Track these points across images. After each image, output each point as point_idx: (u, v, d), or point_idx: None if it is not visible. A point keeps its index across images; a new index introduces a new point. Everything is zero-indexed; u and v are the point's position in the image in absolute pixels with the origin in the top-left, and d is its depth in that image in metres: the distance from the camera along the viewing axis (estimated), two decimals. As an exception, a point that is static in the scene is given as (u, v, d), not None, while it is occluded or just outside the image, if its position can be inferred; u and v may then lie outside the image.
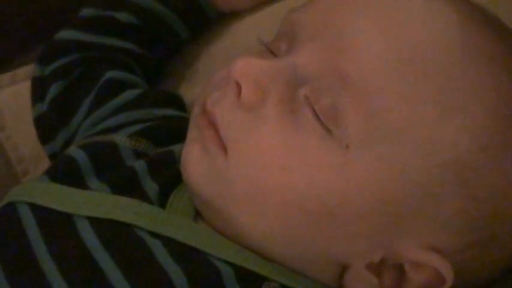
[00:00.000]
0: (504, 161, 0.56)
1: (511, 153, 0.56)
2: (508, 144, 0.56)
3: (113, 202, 0.58)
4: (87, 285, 0.55)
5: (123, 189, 0.60)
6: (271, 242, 0.57)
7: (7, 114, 0.75)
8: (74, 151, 0.64)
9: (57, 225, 0.58)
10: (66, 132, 0.71)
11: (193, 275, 0.55)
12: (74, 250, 0.56)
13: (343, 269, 0.57)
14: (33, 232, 0.57)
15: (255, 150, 0.56)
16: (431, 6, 0.57)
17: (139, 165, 0.62)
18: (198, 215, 0.60)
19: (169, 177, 0.61)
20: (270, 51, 0.60)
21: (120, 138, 0.65)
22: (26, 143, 0.74)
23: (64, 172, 0.62)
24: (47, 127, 0.72)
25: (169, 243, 0.56)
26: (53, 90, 0.71)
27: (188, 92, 0.76)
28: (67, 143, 0.70)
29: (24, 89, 0.74)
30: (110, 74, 0.71)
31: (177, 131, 0.66)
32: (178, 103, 0.73)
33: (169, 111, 0.70)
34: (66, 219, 0.58)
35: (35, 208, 0.59)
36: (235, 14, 0.77)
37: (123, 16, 0.73)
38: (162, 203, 0.60)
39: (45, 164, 0.72)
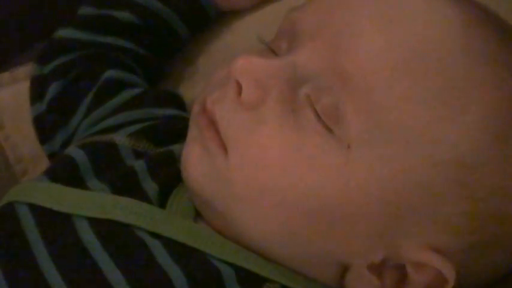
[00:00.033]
0: (505, 161, 0.56)
1: None
2: (510, 144, 0.56)
3: (113, 202, 0.58)
4: (87, 285, 0.55)
5: (122, 189, 0.60)
6: (272, 241, 0.56)
7: (6, 113, 0.75)
8: (73, 151, 0.64)
9: (56, 225, 0.57)
10: (65, 131, 0.71)
11: (193, 275, 0.55)
12: (73, 250, 0.56)
13: (344, 269, 0.57)
14: (32, 232, 0.57)
15: (255, 149, 0.56)
16: (432, 5, 0.57)
17: (139, 165, 0.62)
18: (198, 215, 0.60)
19: (169, 177, 0.61)
20: (271, 50, 0.60)
21: (120, 138, 0.65)
22: (25, 143, 0.74)
23: (63, 172, 0.62)
24: (46, 127, 0.72)
25: (169, 243, 0.56)
26: (52, 89, 0.71)
27: (188, 91, 0.75)
28: (66, 143, 0.70)
29: (23, 88, 0.74)
30: (109, 73, 0.71)
31: (177, 131, 0.66)
32: (179, 102, 0.72)
33: (169, 111, 0.70)
34: (66, 220, 0.58)
35: (34, 208, 0.58)
36: (236, 13, 0.77)
37: (122, 15, 0.72)
38: (162, 203, 0.60)
39: (44, 163, 0.72)
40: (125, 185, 0.60)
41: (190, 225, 0.58)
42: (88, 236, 0.56)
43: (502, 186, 0.56)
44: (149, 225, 0.57)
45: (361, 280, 0.57)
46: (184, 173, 0.59)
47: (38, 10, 0.89)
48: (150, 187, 0.60)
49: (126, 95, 0.70)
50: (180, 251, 0.56)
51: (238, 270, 0.56)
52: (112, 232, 0.57)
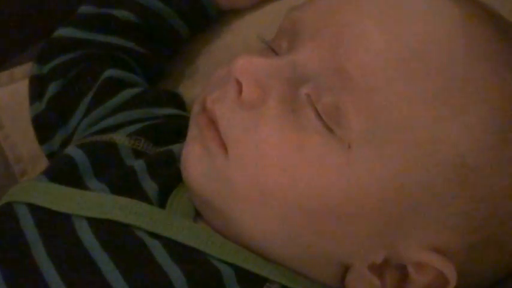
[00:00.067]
0: (506, 160, 0.56)
1: None
2: (510, 143, 0.56)
3: (112, 202, 0.58)
4: (86, 286, 0.55)
5: (122, 189, 0.60)
6: (272, 241, 0.56)
7: (5, 113, 0.75)
8: (73, 151, 0.64)
9: (55, 225, 0.57)
10: (64, 131, 0.71)
11: (193, 275, 0.55)
12: (72, 251, 0.56)
13: (345, 269, 0.57)
14: (31, 232, 0.57)
15: (256, 149, 0.56)
16: (433, 5, 0.57)
17: (139, 165, 0.62)
18: (198, 215, 0.60)
19: (169, 177, 0.61)
20: (271, 50, 0.60)
21: (119, 138, 0.65)
22: (24, 143, 0.74)
23: (62, 172, 0.62)
24: (45, 126, 0.72)
25: (169, 243, 0.56)
26: (51, 89, 0.71)
27: (188, 90, 0.75)
28: (65, 143, 0.70)
29: (22, 87, 0.74)
30: (109, 72, 0.70)
31: (177, 130, 0.66)
32: (178, 102, 0.72)
33: (169, 110, 0.70)
34: (65, 220, 0.57)
35: (33, 208, 0.58)
36: (236, 12, 0.77)
37: (122, 14, 0.72)
38: (162, 203, 0.60)
39: (43, 163, 0.72)
40: (125, 185, 0.60)
41: (190, 225, 0.58)
42: (87, 236, 0.56)
43: (503, 186, 0.56)
44: (149, 225, 0.57)
45: (362, 280, 0.56)
46: (184, 173, 0.59)
47: (37, 9, 0.89)
48: (150, 187, 0.60)
49: (125, 94, 0.70)
50: (179, 251, 0.56)
51: (238, 270, 0.56)
52: (111, 232, 0.56)
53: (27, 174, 0.74)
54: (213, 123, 0.58)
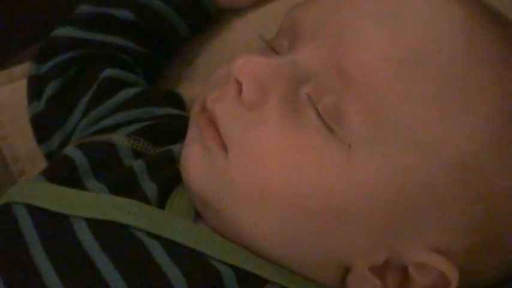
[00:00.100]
0: (508, 160, 0.56)
1: None
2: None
3: (111, 203, 0.58)
4: (85, 287, 0.55)
5: (121, 189, 0.59)
6: (272, 242, 0.56)
7: (3, 112, 0.75)
8: (71, 151, 0.64)
9: (54, 226, 0.57)
10: (63, 131, 0.71)
11: (192, 276, 0.54)
12: (71, 252, 0.56)
13: (346, 270, 0.57)
14: (29, 233, 0.57)
15: (256, 149, 0.56)
16: (434, 4, 0.57)
17: (138, 165, 0.62)
18: (198, 215, 0.60)
19: (169, 178, 0.61)
20: (272, 49, 0.60)
21: (119, 138, 0.64)
22: (22, 142, 0.74)
23: (61, 172, 0.62)
24: (43, 126, 0.72)
25: (168, 244, 0.56)
26: (50, 88, 0.71)
27: (188, 90, 0.75)
28: (64, 143, 0.70)
29: (20, 87, 0.74)
30: (108, 72, 0.70)
31: (176, 130, 0.66)
32: (178, 102, 0.72)
33: (169, 110, 0.69)
34: (64, 220, 0.57)
35: (31, 209, 0.58)
36: (236, 11, 0.77)
37: (121, 13, 0.72)
38: (161, 203, 0.60)
39: (42, 163, 0.72)
40: (124, 185, 0.60)
41: (189, 226, 0.58)
42: (86, 237, 0.56)
43: (505, 187, 0.56)
44: (148, 226, 0.57)
45: (363, 281, 0.56)
46: (184, 173, 0.59)
47: (36, 9, 0.89)
48: (149, 187, 0.60)
49: (125, 94, 0.69)
50: (179, 252, 0.56)
51: (238, 271, 0.55)
52: (110, 233, 0.56)
53: (25, 174, 0.74)
54: (212, 123, 0.57)
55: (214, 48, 0.76)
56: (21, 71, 0.75)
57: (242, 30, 0.76)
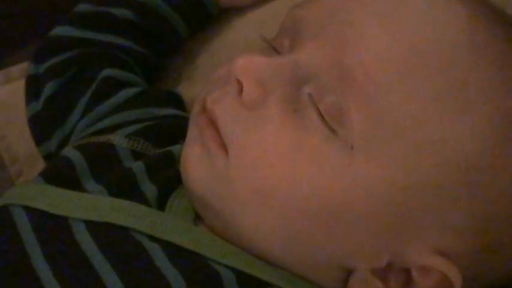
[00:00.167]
0: (511, 160, 0.55)
1: None
2: None
3: (110, 205, 0.58)
4: (83, 289, 0.54)
5: (120, 191, 0.59)
6: (273, 243, 0.56)
7: (1, 113, 0.75)
8: (70, 152, 0.63)
9: (52, 228, 0.57)
10: (61, 132, 0.70)
11: (192, 279, 0.54)
12: (69, 254, 0.56)
13: (347, 273, 0.57)
14: (28, 236, 0.57)
15: (256, 150, 0.55)
16: (437, 4, 0.57)
17: (137, 167, 0.61)
18: (198, 217, 0.59)
19: (169, 179, 0.61)
20: (273, 48, 0.60)
21: (118, 139, 0.64)
22: (20, 143, 0.74)
23: (59, 174, 0.62)
24: (41, 127, 0.71)
25: (168, 247, 0.55)
26: (48, 89, 0.71)
27: (188, 90, 0.75)
28: (62, 144, 0.70)
29: (18, 87, 0.73)
30: (107, 72, 0.70)
31: (176, 131, 0.65)
32: (178, 102, 0.72)
33: (169, 111, 0.69)
34: (62, 223, 0.57)
35: (29, 211, 0.58)
36: (237, 10, 0.77)
37: (120, 12, 0.72)
38: (161, 205, 0.59)
39: (40, 165, 0.72)
40: (123, 187, 0.60)
41: (189, 228, 0.57)
42: (85, 239, 0.56)
43: (509, 187, 0.55)
44: (147, 228, 0.56)
45: (365, 284, 0.56)
46: (183, 174, 0.59)
47: (34, 8, 0.89)
48: (149, 189, 0.60)
49: (124, 94, 0.69)
50: (179, 255, 0.55)
51: (239, 274, 0.55)
52: (109, 235, 0.56)
53: (23, 176, 0.74)
54: (213, 123, 0.57)
55: (214, 48, 0.76)
56: (19, 70, 0.75)
57: (242, 29, 0.76)
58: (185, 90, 0.75)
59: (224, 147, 0.56)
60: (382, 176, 0.54)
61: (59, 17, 0.73)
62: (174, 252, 0.55)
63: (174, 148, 0.63)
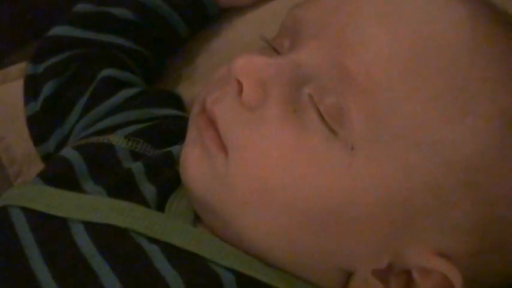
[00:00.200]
0: None
1: None
2: None
3: (109, 206, 0.58)
4: (82, 291, 0.54)
5: (119, 192, 0.59)
6: (273, 245, 0.56)
7: (-1, 113, 0.75)
8: (69, 152, 0.63)
9: (51, 230, 0.57)
10: (60, 132, 0.70)
11: (192, 281, 0.54)
12: (68, 255, 0.55)
13: (348, 275, 0.56)
14: (26, 237, 0.56)
15: (256, 150, 0.55)
16: (438, 4, 0.57)
17: (137, 167, 0.61)
18: (197, 218, 0.59)
19: (168, 180, 0.61)
20: (273, 49, 0.59)
21: (117, 139, 0.64)
22: (18, 144, 0.74)
23: (58, 174, 0.62)
24: (40, 127, 0.71)
25: (167, 248, 0.55)
26: (47, 89, 0.71)
27: (187, 90, 0.75)
28: (61, 144, 0.70)
29: (17, 87, 0.73)
30: (106, 72, 0.70)
31: (176, 132, 0.65)
32: (177, 102, 0.72)
33: (168, 111, 0.69)
34: (61, 224, 0.57)
35: (28, 212, 0.58)
36: (236, 10, 0.77)
37: (120, 12, 0.72)
38: (160, 206, 0.59)
39: (39, 165, 0.72)
40: (122, 188, 0.60)
41: (189, 229, 0.57)
42: (84, 241, 0.56)
43: (510, 188, 0.55)
44: (147, 229, 0.56)
45: (366, 286, 0.56)
46: (183, 175, 0.59)
47: (33, 7, 0.89)
48: (148, 190, 0.60)
49: (123, 94, 0.69)
50: (178, 256, 0.55)
51: (239, 275, 0.55)
52: (108, 237, 0.56)
53: (21, 176, 0.74)
54: (212, 123, 0.57)
55: (214, 47, 0.76)
56: (18, 70, 0.75)
57: (242, 29, 0.76)
58: (185, 90, 0.75)
59: (224, 148, 0.56)
60: (382, 176, 0.54)
61: (59, 17, 0.73)
62: (174, 253, 0.55)
63: (174, 149, 0.63)
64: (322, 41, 0.56)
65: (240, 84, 0.56)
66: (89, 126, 0.68)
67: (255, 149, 0.55)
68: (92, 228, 0.56)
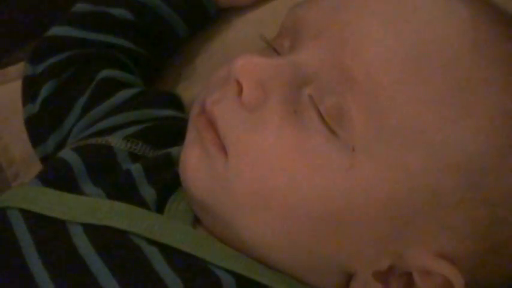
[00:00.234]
0: None
1: None
2: None
3: (108, 208, 0.57)
4: (80, 293, 0.54)
5: (118, 194, 0.59)
6: (273, 247, 0.56)
7: (-3, 114, 0.75)
8: (67, 154, 0.63)
9: (49, 231, 0.57)
10: (58, 134, 0.70)
11: (191, 283, 0.54)
12: (67, 258, 0.55)
13: (349, 277, 0.56)
14: (24, 239, 0.56)
15: (256, 152, 0.55)
16: (440, 4, 0.57)
17: (136, 169, 0.61)
18: (197, 220, 0.59)
19: (167, 182, 0.61)
20: (273, 49, 0.59)
21: (116, 141, 0.64)
22: (16, 145, 0.74)
23: (57, 176, 0.61)
24: (38, 128, 0.71)
25: (166, 250, 0.55)
26: (45, 90, 0.70)
27: (187, 91, 0.75)
28: (60, 146, 0.69)
29: (15, 88, 0.73)
30: (105, 72, 0.70)
31: (175, 133, 0.65)
32: (177, 103, 0.72)
33: (167, 112, 0.69)
34: (59, 226, 0.57)
35: (26, 214, 0.58)
36: (236, 10, 0.76)
37: (119, 12, 0.72)
38: (160, 208, 0.59)
39: (37, 167, 0.71)
40: (121, 189, 0.60)
41: (188, 231, 0.57)
42: (82, 243, 0.55)
43: None
44: (146, 231, 0.56)
45: (366, 288, 0.56)
46: (182, 177, 0.59)
47: (31, 7, 0.88)
48: (147, 192, 0.60)
49: (122, 95, 0.69)
50: (178, 258, 0.55)
51: (239, 277, 0.55)
52: (107, 239, 0.56)
53: (19, 178, 0.74)
54: (212, 124, 0.57)
55: (214, 48, 0.76)
56: (15, 71, 0.75)
57: (242, 29, 0.76)
58: (184, 90, 0.75)
59: (223, 149, 0.56)
60: (383, 178, 0.53)
61: (58, 17, 0.73)
62: (173, 255, 0.55)
63: (173, 150, 0.63)
64: (322, 41, 0.56)
65: (239, 84, 0.56)
66: (87, 127, 0.68)
67: (254, 150, 0.55)
68: (90, 230, 0.56)
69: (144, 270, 0.54)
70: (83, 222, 0.56)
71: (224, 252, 0.56)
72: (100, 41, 0.71)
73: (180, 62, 0.77)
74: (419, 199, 0.54)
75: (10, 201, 0.59)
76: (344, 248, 0.55)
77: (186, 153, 0.58)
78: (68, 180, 0.61)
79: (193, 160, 0.57)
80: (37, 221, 0.57)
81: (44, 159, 0.71)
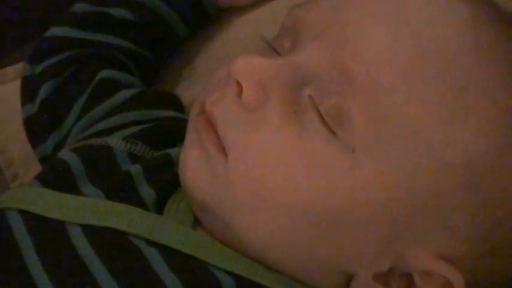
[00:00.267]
0: None
1: None
2: None
3: (107, 208, 0.57)
4: (80, 295, 0.54)
5: (118, 194, 0.59)
6: (273, 248, 0.56)
7: (-4, 114, 0.75)
8: (66, 154, 0.63)
9: (48, 233, 0.57)
10: (57, 134, 0.70)
11: (191, 285, 0.54)
12: (66, 259, 0.55)
13: (349, 278, 0.56)
14: (23, 240, 0.56)
15: (256, 152, 0.55)
16: (440, 5, 0.57)
17: (135, 170, 0.61)
18: (196, 221, 0.59)
19: (167, 182, 0.61)
20: (273, 49, 0.59)
21: (115, 141, 0.64)
22: (15, 146, 0.74)
23: (56, 177, 0.61)
24: (37, 129, 0.71)
25: (166, 251, 0.55)
26: (44, 90, 0.70)
27: (186, 91, 0.75)
28: (59, 146, 0.69)
29: (14, 88, 0.73)
30: (104, 73, 0.70)
31: (174, 133, 0.65)
32: (176, 104, 0.72)
33: (167, 112, 0.69)
34: (58, 227, 0.57)
35: (25, 215, 0.57)
36: (236, 10, 0.76)
37: (118, 12, 0.71)
38: (159, 209, 0.59)
39: (36, 167, 0.71)
40: (121, 190, 0.59)
41: (188, 232, 0.57)
42: (82, 244, 0.55)
43: None
44: (145, 232, 0.56)
45: (367, 289, 0.56)
46: (182, 177, 0.59)
47: (31, 7, 0.88)
48: (147, 193, 0.59)
49: (122, 95, 0.69)
50: (177, 259, 0.55)
51: (239, 279, 0.55)
52: (107, 239, 0.56)
53: (18, 179, 0.74)
54: (211, 125, 0.57)
55: (214, 48, 0.76)
56: (14, 71, 0.75)
57: (242, 29, 0.75)
58: (184, 90, 0.75)
59: (223, 150, 0.56)
60: (383, 178, 0.53)
61: (55, 17, 0.73)
62: (173, 256, 0.55)
63: (173, 151, 0.63)
64: (322, 41, 0.56)
65: (239, 85, 0.56)
66: (87, 128, 0.68)
67: (254, 151, 0.55)
68: (90, 231, 0.56)
69: (144, 271, 0.54)
70: (82, 223, 0.56)
71: (224, 253, 0.56)
72: (99, 41, 0.71)
73: (180, 62, 0.76)
74: (419, 200, 0.54)
75: (9, 202, 0.59)
76: (344, 249, 0.55)
77: (186, 153, 0.58)
78: (67, 181, 0.60)
79: (193, 160, 0.57)
80: (36, 222, 0.57)
81: (43, 160, 0.71)
